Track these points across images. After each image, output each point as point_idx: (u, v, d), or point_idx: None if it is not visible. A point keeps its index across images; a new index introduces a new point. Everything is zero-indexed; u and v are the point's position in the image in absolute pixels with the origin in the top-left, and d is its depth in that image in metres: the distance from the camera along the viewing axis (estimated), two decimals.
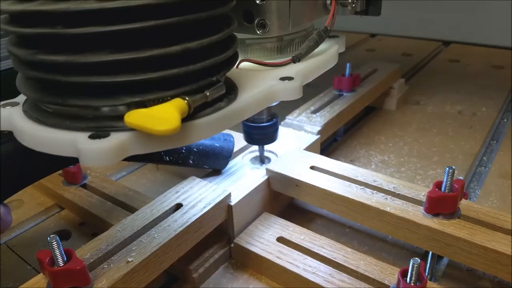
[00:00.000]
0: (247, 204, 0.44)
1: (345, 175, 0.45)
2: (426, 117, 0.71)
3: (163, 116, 0.25)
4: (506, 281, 0.38)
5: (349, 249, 0.40)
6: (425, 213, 0.39)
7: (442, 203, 0.38)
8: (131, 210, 0.46)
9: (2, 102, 0.32)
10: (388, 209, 0.40)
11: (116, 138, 0.25)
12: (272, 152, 0.51)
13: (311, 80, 0.38)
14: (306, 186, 0.45)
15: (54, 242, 0.30)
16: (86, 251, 0.35)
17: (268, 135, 0.45)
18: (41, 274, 0.33)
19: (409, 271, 0.32)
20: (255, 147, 0.51)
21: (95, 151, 0.25)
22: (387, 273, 0.37)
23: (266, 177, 0.47)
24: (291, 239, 0.42)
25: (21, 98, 0.32)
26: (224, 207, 0.42)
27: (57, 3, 0.24)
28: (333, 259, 0.39)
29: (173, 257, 0.38)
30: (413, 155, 0.60)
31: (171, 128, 0.24)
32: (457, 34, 1.06)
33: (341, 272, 0.38)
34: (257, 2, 0.36)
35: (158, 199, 0.42)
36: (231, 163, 0.49)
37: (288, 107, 0.56)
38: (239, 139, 0.50)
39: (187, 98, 0.27)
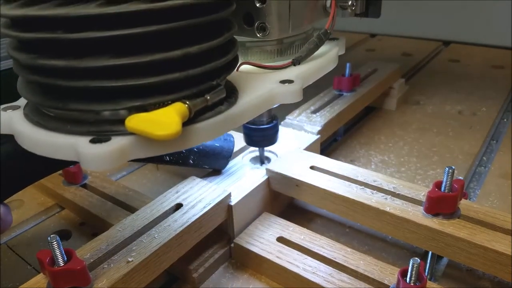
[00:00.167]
0: (247, 204, 0.44)
1: (345, 175, 0.45)
2: (426, 117, 0.71)
3: (164, 120, 0.25)
4: (506, 281, 0.38)
5: (349, 249, 0.40)
6: (425, 213, 0.39)
7: (442, 203, 0.38)
8: (131, 210, 0.46)
9: (3, 106, 0.32)
10: (388, 209, 0.40)
11: (116, 142, 0.25)
12: (272, 152, 0.51)
13: (311, 83, 0.39)
14: (306, 186, 0.45)
15: (55, 242, 0.30)
16: (86, 251, 0.35)
17: (268, 137, 0.46)
18: (41, 274, 0.33)
19: (409, 271, 0.32)
20: (255, 147, 0.51)
21: (96, 156, 0.25)
22: (387, 273, 0.37)
23: (266, 177, 0.47)
24: (291, 239, 0.42)
25: (22, 101, 0.32)
26: (224, 207, 0.42)
27: (58, 8, 0.25)
28: (333, 259, 0.39)
29: (173, 257, 0.38)
30: (413, 155, 0.60)
31: (172, 132, 0.24)
32: (457, 34, 1.06)
33: (341, 272, 0.38)
34: (257, 5, 0.36)
35: (158, 199, 0.42)
36: (231, 163, 0.49)
37: (288, 107, 0.56)
38: (239, 139, 0.50)
39: (187, 102, 0.27)
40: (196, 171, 0.48)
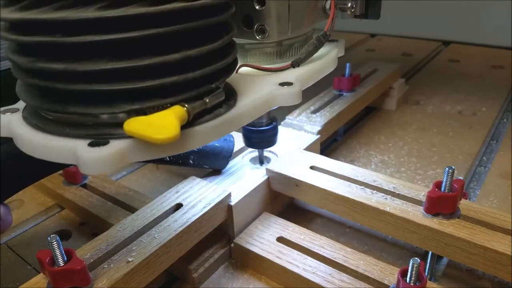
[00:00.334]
0: (247, 204, 0.44)
1: (345, 175, 0.45)
2: (426, 117, 0.71)
3: (163, 123, 0.25)
4: (506, 281, 0.38)
5: (349, 249, 0.40)
6: (425, 213, 0.39)
7: (442, 203, 0.38)
8: (131, 210, 0.46)
9: (2, 109, 0.32)
10: (388, 209, 0.40)
11: (115, 146, 0.25)
12: (272, 152, 0.51)
13: (310, 85, 0.38)
14: (306, 186, 0.45)
15: (55, 242, 0.31)
16: (86, 251, 0.35)
17: (268, 139, 0.45)
18: (41, 274, 0.33)
19: (409, 271, 0.32)
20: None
21: (94, 159, 0.25)
22: (387, 273, 0.37)
23: (266, 177, 0.47)
24: (291, 239, 0.42)
25: (20, 104, 0.32)
26: (224, 207, 0.42)
27: (56, 12, 0.24)
28: (333, 259, 0.39)
29: (173, 257, 0.38)
30: (413, 155, 0.60)
31: (171, 136, 0.24)
32: (457, 34, 1.06)
33: (341, 272, 0.38)
34: (257, 7, 0.36)
35: (158, 199, 0.42)
36: (231, 163, 0.49)
37: (288, 107, 0.56)
38: (239, 139, 0.50)
39: (186, 106, 0.27)
40: (196, 171, 0.48)
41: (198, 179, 0.45)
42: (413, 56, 0.98)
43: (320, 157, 0.49)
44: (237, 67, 0.36)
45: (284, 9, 0.37)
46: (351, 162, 0.60)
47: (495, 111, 0.71)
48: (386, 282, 0.36)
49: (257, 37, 0.38)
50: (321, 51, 0.41)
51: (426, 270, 0.40)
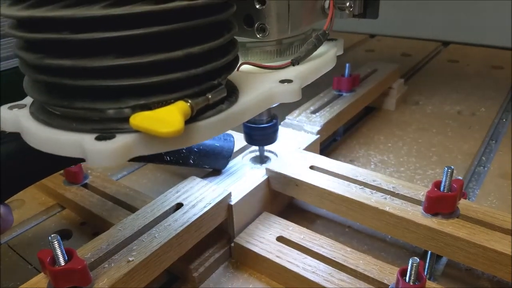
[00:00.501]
0: (247, 204, 0.44)
1: (345, 175, 0.45)
2: (425, 117, 0.71)
3: (167, 118, 0.26)
4: (506, 280, 0.38)
5: (348, 249, 0.40)
6: (424, 212, 0.39)
7: (441, 203, 0.38)
8: (132, 209, 0.46)
9: (10, 104, 0.32)
10: (387, 208, 0.40)
11: (121, 140, 0.26)
12: (272, 152, 0.51)
13: (310, 83, 0.39)
14: (305, 185, 0.45)
15: (55, 242, 0.31)
16: (87, 251, 0.35)
17: (268, 136, 0.46)
18: (42, 273, 0.33)
19: (408, 270, 0.32)
20: (255, 147, 0.51)
21: (101, 152, 0.25)
22: (386, 272, 0.37)
23: (266, 176, 0.47)
24: (290, 239, 0.42)
25: (27, 100, 0.33)
26: (224, 206, 0.42)
27: (64, 10, 0.25)
28: (333, 259, 0.39)
29: (173, 257, 0.38)
30: (412, 155, 0.61)
31: (175, 130, 0.25)
32: (456, 35, 1.06)
33: (340, 272, 0.38)
34: (257, 7, 0.37)
35: (158, 198, 0.42)
36: (231, 163, 0.50)
37: (288, 107, 0.56)
38: (239, 139, 0.50)
39: (189, 101, 0.28)
40: (196, 171, 0.48)
41: (198, 179, 0.45)
42: (413, 57, 0.99)
43: (319, 157, 0.49)
44: (238, 65, 0.36)
45: (284, 8, 0.38)
46: (351, 162, 0.60)
47: (495, 111, 0.72)
48: (385, 281, 0.36)
49: (258, 36, 0.38)
50: (320, 49, 0.41)
51: (426, 270, 0.40)
